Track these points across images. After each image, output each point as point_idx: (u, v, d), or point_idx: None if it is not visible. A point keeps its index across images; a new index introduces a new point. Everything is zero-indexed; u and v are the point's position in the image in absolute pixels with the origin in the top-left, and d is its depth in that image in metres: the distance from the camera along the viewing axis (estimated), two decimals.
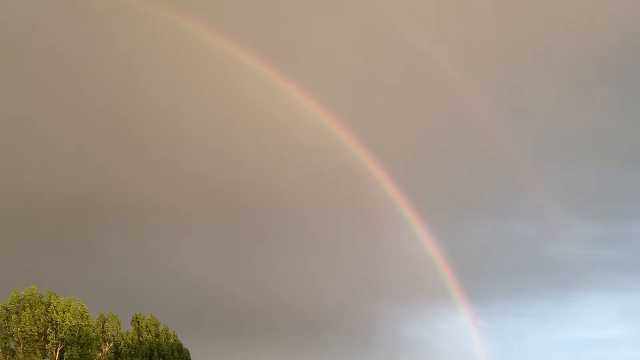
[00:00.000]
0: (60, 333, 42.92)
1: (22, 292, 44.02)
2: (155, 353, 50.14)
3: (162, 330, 52.68)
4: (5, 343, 43.18)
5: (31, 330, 42.26)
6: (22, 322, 42.62)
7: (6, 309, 43.37)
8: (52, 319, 42.96)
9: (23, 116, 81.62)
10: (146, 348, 50.32)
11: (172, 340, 53.01)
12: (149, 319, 53.20)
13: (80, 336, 42.92)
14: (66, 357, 42.33)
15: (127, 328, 52.54)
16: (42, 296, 44.81)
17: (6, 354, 42.93)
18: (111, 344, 51.15)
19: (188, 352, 54.17)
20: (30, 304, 43.52)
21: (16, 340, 42.99)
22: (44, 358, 43.09)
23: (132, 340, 50.76)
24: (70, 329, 43.02)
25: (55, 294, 44.97)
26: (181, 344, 53.59)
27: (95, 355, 46.14)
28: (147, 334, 51.52)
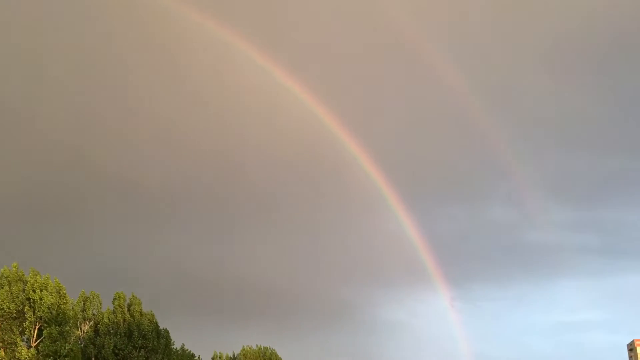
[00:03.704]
0: (39, 311, 42.70)
1: (1, 270, 43.66)
2: (136, 332, 50.22)
3: (141, 310, 52.63)
4: None
5: (9, 308, 41.97)
6: None
7: None
8: (29, 297, 42.68)
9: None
10: (125, 327, 50.36)
11: (150, 319, 52.99)
12: (130, 299, 53.22)
13: (58, 314, 42.75)
14: (45, 335, 42.20)
15: (109, 307, 52.73)
16: (24, 274, 44.37)
17: None
18: (91, 323, 51.17)
19: (168, 332, 54.35)
20: (8, 281, 43.19)
21: None
22: (22, 336, 42.84)
23: (109, 319, 50.75)
24: (48, 308, 42.83)
25: (37, 272, 44.59)
26: (157, 324, 53.59)
27: (74, 334, 46.14)
28: (126, 314, 51.51)
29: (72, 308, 46.37)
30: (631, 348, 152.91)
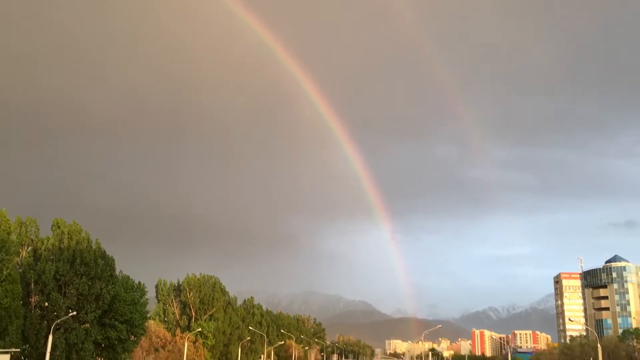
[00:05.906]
0: None
1: None
2: (78, 259, 48.63)
3: (84, 237, 50.95)
4: None
5: None
6: None
7: None
8: None
9: None
10: (69, 254, 48.63)
11: (95, 247, 51.57)
12: (71, 225, 51.23)
13: None
14: None
15: (48, 234, 50.65)
16: None
17: None
18: (29, 248, 49.01)
19: (113, 260, 53.06)
20: None
21: None
22: None
23: (52, 245, 48.82)
24: None
25: None
26: (104, 251, 52.38)
27: (13, 259, 44.07)
28: (69, 240, 49.70)
29: (11, 234, 44.03)
30: (557, 280, 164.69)
